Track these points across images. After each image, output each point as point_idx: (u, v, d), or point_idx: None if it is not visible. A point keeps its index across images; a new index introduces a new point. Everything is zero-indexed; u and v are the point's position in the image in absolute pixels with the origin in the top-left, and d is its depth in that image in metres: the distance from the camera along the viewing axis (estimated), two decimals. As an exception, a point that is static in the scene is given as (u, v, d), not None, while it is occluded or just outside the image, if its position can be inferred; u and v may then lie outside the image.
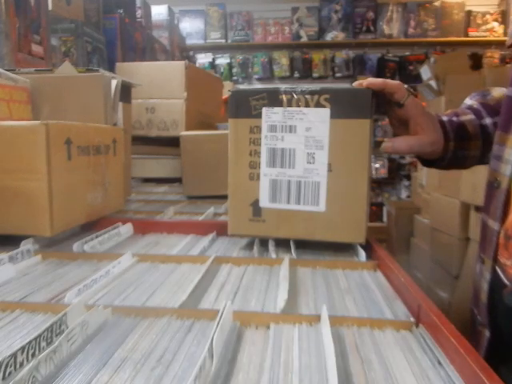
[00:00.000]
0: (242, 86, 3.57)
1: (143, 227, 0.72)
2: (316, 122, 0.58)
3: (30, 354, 0.31)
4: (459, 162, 0.67)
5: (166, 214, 0.82)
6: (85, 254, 0.58)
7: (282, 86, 0.60)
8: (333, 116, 0.57)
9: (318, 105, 0.58)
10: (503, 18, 3.61)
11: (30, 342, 0.31)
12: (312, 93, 0.58)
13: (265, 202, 0.61)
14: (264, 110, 0.59)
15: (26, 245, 0.58)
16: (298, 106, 0.58)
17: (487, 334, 0.53)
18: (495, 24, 3.61)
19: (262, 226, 0.62)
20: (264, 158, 0.60)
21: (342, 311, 0.42)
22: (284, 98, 0.59)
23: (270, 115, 0.59)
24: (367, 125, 0.57)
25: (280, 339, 0.36)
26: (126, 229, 0.70)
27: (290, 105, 0.59)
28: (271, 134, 0.60)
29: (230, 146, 0.62)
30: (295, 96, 0.58)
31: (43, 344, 0.32)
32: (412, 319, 0.39)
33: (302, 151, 0.59)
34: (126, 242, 0.67)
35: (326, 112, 0.58)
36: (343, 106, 0.57)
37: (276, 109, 0.59)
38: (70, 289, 0.44)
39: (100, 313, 0.38)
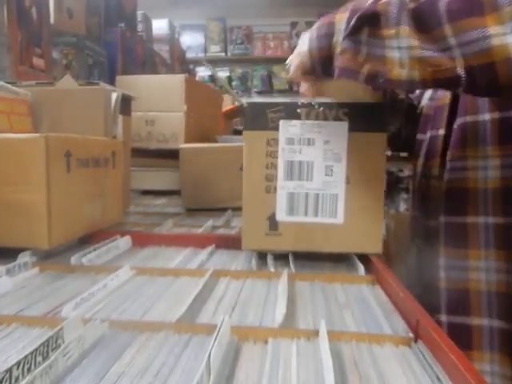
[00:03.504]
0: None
1: (142, 240, 0.72)
2: (334, 135, 0.59)
3: (26, 368, 0.30)
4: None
5: (164, 227, 0.82)
6: (82, 266, 0.58)
7: (300, 100, 0.61)
8: (350, 129, 0.59)
9: (337, 118, 0.59)
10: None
11: (25, 357, 0.31)
12: (330, 106, 0.59)
13: (282, 215, 0.61)
14: (281, 122, 0.60)
15: (23, 257, 0.58)
16: (317, 119, 0.59)
17: None
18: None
19: (278, 240, 0.61)
20: (281, 170, 0.60)
21: (340, 326, 0.42)
22: (302, 111, 0.59)
23: (288, 128, 0.60)
24: (383, 138, 0.59)
25: (278, 354, 0.35)
26: (125, 241, 0.70)
27: (308, 118, 0.59)
28: (289, 146, 0.60)
29: (245, 159, 0.61)
30: (313, 109, 0.59)
31: (39, 359, 0.32)
32: (411, 334, 0.39)
33: (321, 164, 0.60)
34: (124, 254, 0.67)
35: (344, 125, 0.59)
36: (361, 120, 0.59)
37: (294, 121, 0.60)
38: (67, 302, 0.43)
39: (97, 327, 0.38)
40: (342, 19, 0.52)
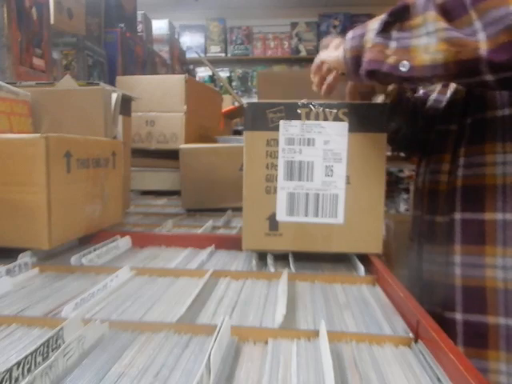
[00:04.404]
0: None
1: (141, 240, 0.72)
2: (334, 135, 0.59)
3: (26, 369, 0.30)
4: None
5: (164, 227, 0.82)
6: (82, 267, 0.58)
7: (300, 100, 0.61)
8: (351, 130, 0.59)
9: (337, 119, 0.59)
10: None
11: (25, 357, 0.31)
12: (330, 107, 0.59)
13: (282, 215, 0.61)
14: (282, 122, 0.60)
15: (23, 258, 0.58)
16: (317, 120, 0.59)
17: None
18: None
19: (278, 240, 0.61)
20: (281, 171, 0.60)
21: (340, 326, 0.42)
22: (302, 111, 0.60)
23: (288, 128, 0.60)
24: (383, 138, 0.59)
25: (278, 355, 0.35)
26: (124, 242, 0.70)
27: (308, 118, 0.59)
28: (289, 146, 0.60)
29: (245, 159, 0.61)
30: (313, 110, 0.59)
31: (39, 359, 0.32)
32: (411, 335, 0.39)
33: (321, 164, 0.60)
34: (124, 255, 0.67)
35: (344, 126, 0.59)
36: (361, 120, 0.59)
37: (294, 122, 0.60)
38: (67, 302, 0.43)
39: (97, 327, 0.37)
40: (377, 20, 0.54)
